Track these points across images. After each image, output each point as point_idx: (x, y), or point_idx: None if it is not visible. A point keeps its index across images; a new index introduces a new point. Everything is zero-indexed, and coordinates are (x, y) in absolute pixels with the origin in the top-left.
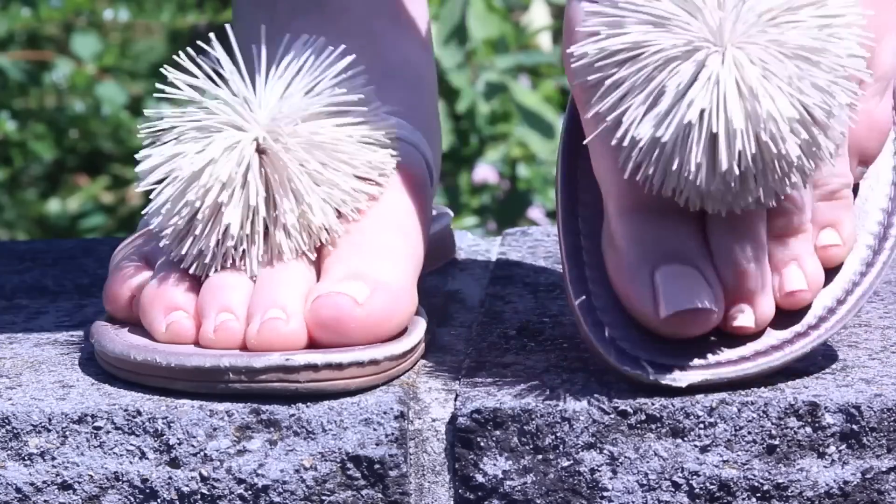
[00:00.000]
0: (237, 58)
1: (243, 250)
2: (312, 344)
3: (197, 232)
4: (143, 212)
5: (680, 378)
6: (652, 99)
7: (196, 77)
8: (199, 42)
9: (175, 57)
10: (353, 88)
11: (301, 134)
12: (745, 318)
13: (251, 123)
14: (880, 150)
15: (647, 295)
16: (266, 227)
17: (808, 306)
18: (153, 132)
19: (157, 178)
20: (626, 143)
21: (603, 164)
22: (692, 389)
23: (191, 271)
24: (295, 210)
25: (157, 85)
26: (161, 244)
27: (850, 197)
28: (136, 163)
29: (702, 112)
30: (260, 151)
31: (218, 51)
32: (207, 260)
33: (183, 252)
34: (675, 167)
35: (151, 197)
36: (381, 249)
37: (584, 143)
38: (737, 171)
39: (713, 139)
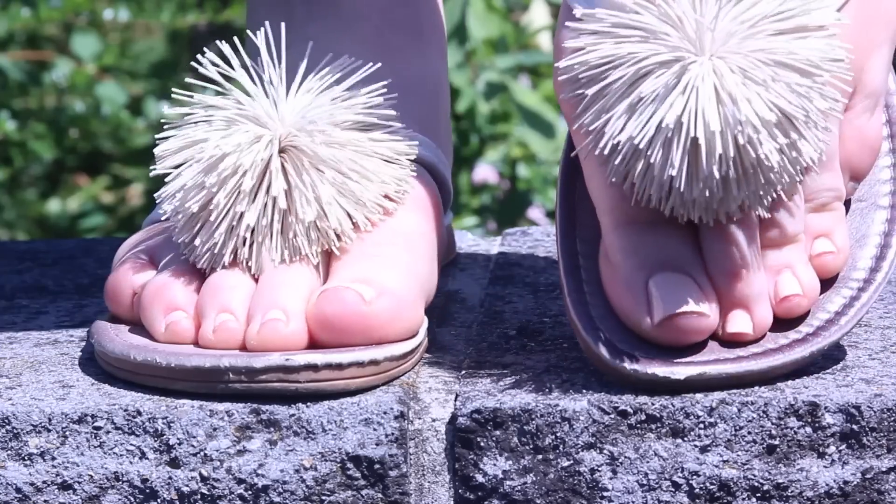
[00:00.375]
0: (273, 57)
1: (251, 246)
2: (313, 344)
3: (211, 218)
4: (156, 194)
5: (678, 372)
6: (632, 107)
7: (233, 69)
8: (215, 40)
9: (218, 44)
10: (378, 104)
11: (324, 139)
12: (742, 324)
13: (276, 121)
14: (871, 165)
15: (642, 303)
16: (279, 224)
17: (806, 316)
18: (178, 116)
19: (176, 162)
20: (607, 151)
21: (594, 179)
22: (690, 385)
23: (198, 264)
24: (311, 208)
25: (192, 67)
26: (170, 230)
27: (843, 210)
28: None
29: (679, 117)
30: (281, 150)
31: (262, 49)
32: (217, 250)
33: (194, 241)
34: (657, 174)
35: (167, 180)
36: (391, 261)
37: (572, 154)
38: (717, 176)
39: (694, 145)
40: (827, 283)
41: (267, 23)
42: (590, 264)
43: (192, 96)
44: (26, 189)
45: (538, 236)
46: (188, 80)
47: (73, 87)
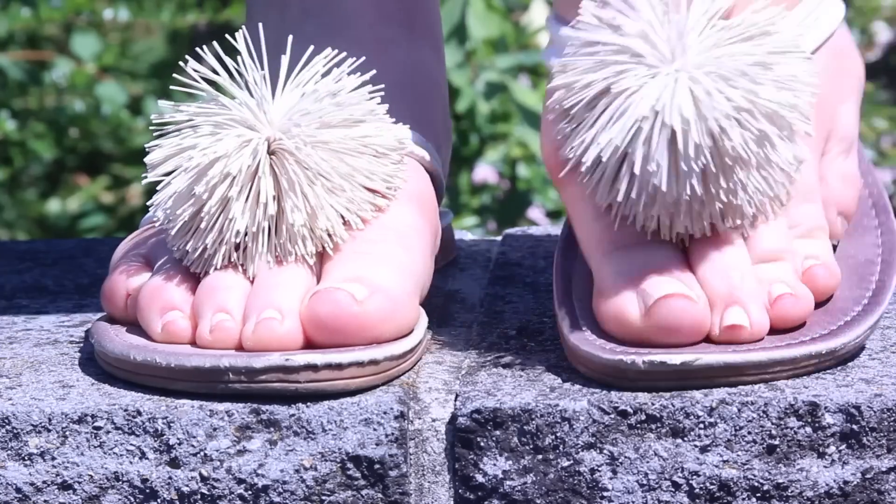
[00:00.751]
0: (254, 58)
1: (245, 249)
2: (309, 344)
3: (202, 226)
4: (148, 202)
5: (674, 358)
6: (613, 114)
7: (217, 73)
8: (215, 40)
9: (198, 50)
10: (367, 99)
11: (312, 138)
12: (738, 317)
13: (264, 124)
14: (856, 199)
15: (633, 305)
16: (270, 227)
17: (803, 327)
18: (165, 123)
19: (166, 170)
20: (590, 161)
21: (581, 215)
22: (687, 372)
23: (192, 269)
24: (301, 211)
25: (176, 76)
26: (165, 238)
27: (829, 242)
28: (137, 162)
29: (653, 106)
30: (271, 152)
31: (241, 50)
32: (208, 255)
33: (186, 247)
34: (639, 174)
35: (158, 188)
36: (383, 258)
37: (560, 176)
38: (696, 169)
39: (671, 138)
40: (821, 309)
41: (248, 24)
42: (584, 310)
43: (178, 103)
44: (26, 189)
45: (538, 236)
46: (174, 87)
47: (73, 87)
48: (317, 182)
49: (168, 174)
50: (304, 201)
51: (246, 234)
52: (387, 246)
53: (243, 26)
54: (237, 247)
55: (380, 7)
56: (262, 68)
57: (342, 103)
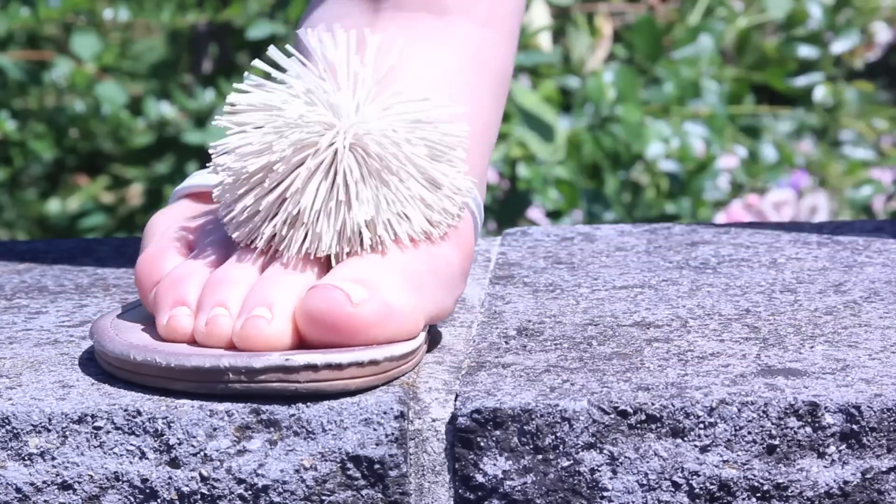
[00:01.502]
0: (359, 55)
1: (289, 229)
2: (301, 341)
3: (265, 184)
4: (212, 144)
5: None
6: None
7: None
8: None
9: (302, 33)
10: (457, 140)
11: (398, 150)
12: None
13: (355, 117)
14: None
15: None
16: (325, 216)
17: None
18: (254, 87)
19: (245, 120)
20: None
21: None
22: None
23: (236, 237)
24: (364, 209)
25: (269, 55)
26: (211, 224)
27: None
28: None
29: None
30: (353, 147)
31: (341, 48)
32: (258, 222)
33: (236, 205)
34: None
35: (229, 133)
36: (399, 267)
37: None
38: None
39: None
40: None
41: (323, 16)
42: None
43: (281, 67)
44: (26, 189)
45: (538, 236)
46: (256, 64)
47: (73, 87)
48: (382, 186)
49: (241, 126)
50: (372, 199)
51: (298, 213)
52: (411, 260)
53: (341, 23)
54: (284, 222)
55: (472, 58)
56: (364, 69)
57: (432, 131)
